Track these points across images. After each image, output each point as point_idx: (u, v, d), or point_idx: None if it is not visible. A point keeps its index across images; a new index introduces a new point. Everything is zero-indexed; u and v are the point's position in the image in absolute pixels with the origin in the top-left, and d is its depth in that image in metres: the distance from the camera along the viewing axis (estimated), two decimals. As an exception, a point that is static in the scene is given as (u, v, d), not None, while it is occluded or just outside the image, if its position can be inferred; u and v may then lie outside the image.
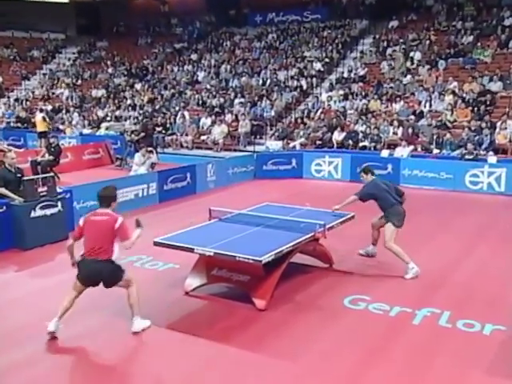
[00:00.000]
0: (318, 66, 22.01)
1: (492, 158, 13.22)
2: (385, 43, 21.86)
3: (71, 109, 23.28)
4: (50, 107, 22.18)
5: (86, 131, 20.62)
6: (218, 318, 5.97)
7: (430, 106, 17.38)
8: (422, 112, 17.03)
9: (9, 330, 5.47)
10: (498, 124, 15.12)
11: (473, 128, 15.09)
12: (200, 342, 5.35)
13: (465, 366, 4.91)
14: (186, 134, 19.59)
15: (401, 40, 21.54)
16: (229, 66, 24.14)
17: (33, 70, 28.36)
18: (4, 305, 6.21)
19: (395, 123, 16.30)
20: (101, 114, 22.31)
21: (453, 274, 7.30)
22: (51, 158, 13.38)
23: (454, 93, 17.28)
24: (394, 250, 7.15)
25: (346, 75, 21.00)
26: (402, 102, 17.71)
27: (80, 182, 11.03)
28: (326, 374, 4.79)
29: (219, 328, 5.66)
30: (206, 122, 19.98)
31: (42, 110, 18.09)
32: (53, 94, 25.53)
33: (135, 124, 19.18)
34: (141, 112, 21.70)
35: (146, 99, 22.94)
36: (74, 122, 21.71)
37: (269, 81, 22.07)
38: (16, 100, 25.20)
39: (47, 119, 18.02)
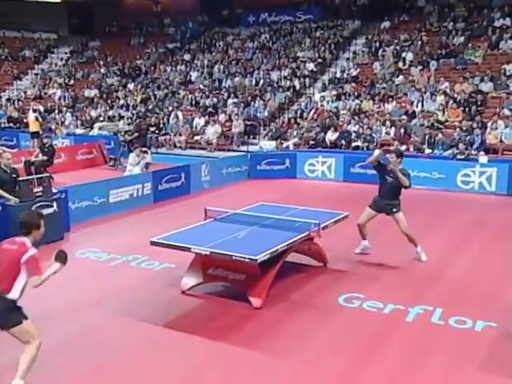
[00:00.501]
0: (310, 66, 22.04)
1: (483, 158, 13.31)
2: (377, 44, 21.90)
3: (64, 109, 23.20)
4: (41, 107, 22.09)
5: (79, 131, 20.55)
6: (214, 316, 6.01)
7: (422, 106, 17.43)
8: (414, 112, 17.09)
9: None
10: (489, 124, 15.21)
11: (464, 128, 15.17)
12: (197, 340, 5.39)
13: (458, 362, 4.98)
14: (180, 134, 19.58)
15: (393, 40, 21.59)
16: (222, 66, 24.11)
17: (25, 70, 28.22)
18: None
19: (388, 123, 16.36)
20: (94, 114, 22.23)
21: (445, 272, 7.37)
22: (45, 158, 13.35)
23: (445, 93, 17.37)
24: (412, 236, 7.61)
25: (338, 75, 21.05)
26: (394, 103, 17.79)
27: (74, 182, 11.03)
28: (322, 371, 4.84)
29: (216, 326, 5.70)
30: (199, 122, 19.97)
31: (35, 110, 18.02)
32: (45, 94, 25.44)
33: (129, 124, 19.12)
34: (134, 112, 21.62)
35: (139, 99, 22.89)
36: (66, 123, 21.67)
37: (262, 81, 22.08)
38: (8, 100, 25.05)
39: (40, 119, 17.96)
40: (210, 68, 24.37)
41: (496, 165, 12.79)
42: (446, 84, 17.87)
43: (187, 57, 26.04)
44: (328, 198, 11.16)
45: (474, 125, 15.17)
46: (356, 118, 17.41)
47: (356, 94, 19.22)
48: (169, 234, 6.62)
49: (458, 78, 18.00)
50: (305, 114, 18.98)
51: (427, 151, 14.91)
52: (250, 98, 20.90)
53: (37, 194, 8.24)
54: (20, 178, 8.55)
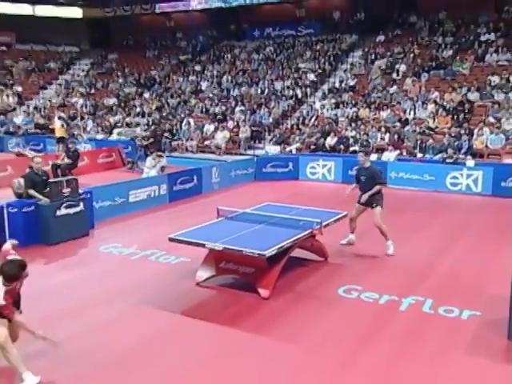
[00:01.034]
0: (311, 76, 22.06)
1: (470, 162, 13.26)
2: (372, 56, 21.89)
3: (85, 116, 23.24)
4: (65, 115, 22.19)
5: (99, 137, 20.61)
6: (226, 305, 6.07)
7: (414, 113, 17.40)
8: (406, 119, 17.07)
9: (41, 315, 5.31)
10: (476, 131, 15.17)
11: (453, 134, 15.11)
12: (211, 326, 5.47)
13: (446, 346, 5.05)
14: (191, 139, 19.61)
15: (387, 53, 21.60)
16: (230, 77, 24.14)
17: (50, 81, 28.26)
18: (34, 294, 6.17)
19: (382, 129, 16.35)
20: (112, 120, 22.27)
21: (435, 266, 7.40)
22: (70, 161, 13.41)
23: (435, 102, 17.34)
24: (383, 229, 7.66)
25: (337, 85, 21.06)
26: (388, 110, 17.77)
27: (96, 183, 11.07)
28: (325, 354, 4.92)
29: (228, 314, 5.76)
30: (209, 128, 19.99)
31: (60, 118, 18.10)
32: (68, 102, 25.44)
33: (145, 130, 19.16)
34: (149, 119, 21.67)
35: (154, 107, 22.94)
36: (88, 128, 21.73)
37: (267, 90, 22.09)
38: (35, 108, 25.08)
39: (65, 126, 18.05)
40: (219, 78, 24.41)
41: (482, 168, 12.76)
42: (436, 93, 17.86)
43: (198, 68, 26.11)
44: (328, 199, 11.20)
45: (462, 131, 15.13)
46: (353, 124, 17.41)
47: (353, 102, 19.20)
48: (185, 231, 6.64)
49: (447, 88, 17.98)
50: (306, 121, 18.97)
51: (419, 155, 14.88)
52: (255, 106, 20.92)
53: (65, 195, 8.34)
54: (50, 180, 8.64)
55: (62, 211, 8.29)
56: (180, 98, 23.66)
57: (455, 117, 16.52)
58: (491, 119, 15.81)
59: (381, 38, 22.99)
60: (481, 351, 4.95)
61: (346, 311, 5.89)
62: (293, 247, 6.52)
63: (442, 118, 16.53)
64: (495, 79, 17.66)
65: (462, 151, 14.43)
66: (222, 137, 18.91)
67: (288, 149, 17.13)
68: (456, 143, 14.66)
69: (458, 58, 19.67)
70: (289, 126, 19.32)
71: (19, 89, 26.39)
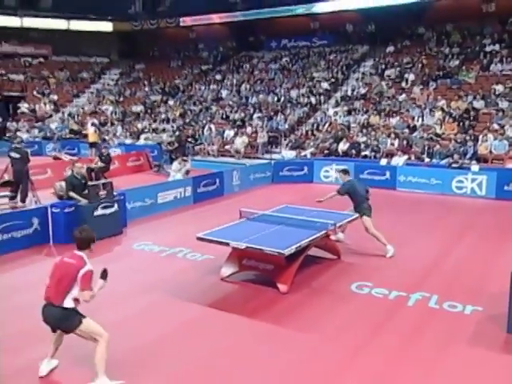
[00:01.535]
0: (325, 85, 22.06)
1: (475, 167, 13.21)
2: (383, 65, 21.85)
3: (115, 122, 23.54)
4: (97, 121, 22.56)
5: (128, 141, 20.83)
6: (248, 299, 6.21)
7: (422, 120, 17.30)
8: (415, 126, 17.00)
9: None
10: (480, 137, 15.05)
11: (458, 140, 15.04)
12: (234, 317, 5.63)
13: (449, 339, 5.16)
14: (212, 144, 19.76)
15: (396, 63, 21.56)
16: (248, 85, 24.21)
17: (82, 89, 28.62)
18: None
19: (392, 135, 16.26)
20: (140, 126, 22.48)
21: (440, 264, 7.45)
22: (103, 165, 13.64)
23: (442, 109, 17.24)
24: (376, 235, 7.65)
25: (349, 93, 21.01)
26: (398, 117, 17.69)
27: (126, 185, 11.23)
28: (339, 343, 5.08)
29: (250, 307, 5.91)
30: (229, 133, 20.11)
31: (93, 124, 18.47)
32: (99, 109, 25.77)
33: (171, 136, 19.31)
34: (173, 125, 21.88)
35: (178, 114, 23.12)
36: (117, 134, 22.08)
37: (283, 98, 22.13)
38: (69, 115, 25.46)
39: (97, 131, 18.38)
40: (238, 86, 24.48)
41: (486, 172, 12.71)
42: (443, 101, 17.75)
43: (218, 77, 26.20)
44: (341, 201, 11.33)
45: (467, 137, 15.05)
46: (364, 130, 17.39)
47: (364, 109, 19.17)
48: (211, 231, 6.77)
49: (453, 97, 17.88)
50: (320, 127, 18.99)
51: (426, 160, 14.83)
52: (272, 113, 20.98)
53: (102, 197, 8.60)
54: (89, 184, 8.91)
55: (99, 211, 8.54)
56: (202, 105, 23.81)
57: (461, 124, 16.42)
58: (495, 126, 15.67)
59: (390, 48, 22.91)
60: (482, 343, 5.04)
61: (358, 305, 6.00)
62: (309, 246, 6.64)
63: (449, 124, 16.44)
64: (499, 88, 17.52)
65: (467, 156, 14.34)
66: (241, 142, 19.03)
67: (303, 153, 17.16)
68: (461, 149, 14.58)
69: (464, 67, 19.54)
70: (304, 132, 19.34)
71: (55, 97, 26.84)
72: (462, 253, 8.11)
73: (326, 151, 16.97)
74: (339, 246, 7.73)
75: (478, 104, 17.21)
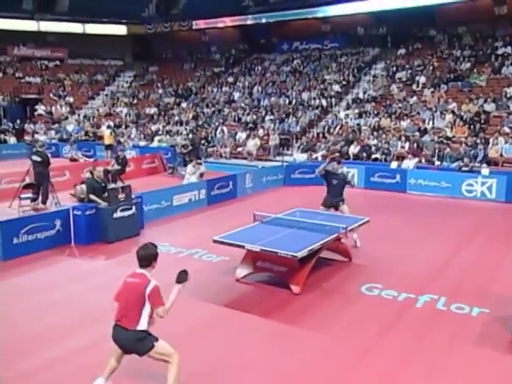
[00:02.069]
0: (336, 87, 22.09)
1: (485, 170, 13.24)
2: (394, 68, 21.83)
3: (130, 124, 23.76)
4: (112, 123, 22.87)
5: (142, 143, 21.06)
6: (262, 299, 6.36)
7: (433, 123, 17.28)
8: (425, 129, 16.98)
9: (104, 305, 5.46)
10: (491, 140, 15.03)
11: (469, 143, 15.03)
12: (249, 317, 5.80)
13: (456, 339, 5.30)
14: (225, 146, 19.91)
15: (407, 66, 21.52)
16: (260, 88, 24.30)
17: (97, 91, 28.92)
18: (100, 286, 6.68)
19: (403, 138, 16.29)
20: (154, 128, 22.67)
21: (448, 266, 7.55)
22: (119, 167, 13.83)
23: (453, 112, 17.23)
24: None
25: (360, 96, 21.05)
26: (408, 120, 17.69)
27: (141, 187, 11.41)
28: (349, 342, 5.24)
29: (264, 307, 6.06)
30: (241, 135, 20.24)
31: (109, 126, 18.73)
32: (114, 111, 26.04)
33: (185, 139, 19.49)
34: (187, 127, 22.02)
35: (191, 116, 23.27)
36: (132, 136, 22.32)
37: (294, 100, 22.19)
38: (84, 117, 25.77)
39: (113, 134, 18.65)
40: (250, 89, 24.58)
41: (496, 176, 12.74)
42: (454, 104, 17.73)
43: (230, 79, 26.32)
44: (352, 203, 11.49)
45: (478, 140, 15.06)
46: (375, 133, 17.43)
47: (375, 112, 19.20)
48: (226, 233, 6.91)
49: (464, 99, 17.84)
50: (331, 130, 19.03)
51: (437, 163, 14.86)
52: (284, 115, 21.05)
53: (121, 200, 8.85)
54: (109, 187, 9.17)
55: (118, 214, 8.78)
56: (214, 107, 23.93)
57: (472, 127, 16.40)
58: (506, 129, 15.66)
59: (402, 51, 22.89)
60: (488, 344, 5.17)
61: (368, 306, 6.14)
62: (321, 249, 6.79)
63: (459, 127, 16.43)
64: (511, 91, 17.46)
65: (478, 160, 14.37)
66: (253, 144, 19.15)
67: (314, 156, 17.21)
68: (472, 152, 14.60)
69: (475, 70, 19.49)
70: (315, 135, 19.40)
71: (71, 99, 27.22)
72: (471, 255, 8.19)
73: (337, 154, 16.88)
74: (350, 250, 7.86)
75: (489, 107, 17.17)
